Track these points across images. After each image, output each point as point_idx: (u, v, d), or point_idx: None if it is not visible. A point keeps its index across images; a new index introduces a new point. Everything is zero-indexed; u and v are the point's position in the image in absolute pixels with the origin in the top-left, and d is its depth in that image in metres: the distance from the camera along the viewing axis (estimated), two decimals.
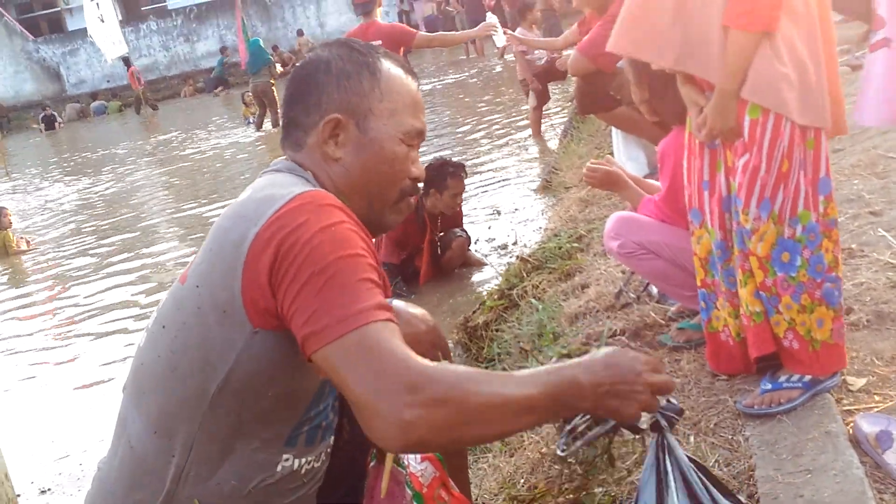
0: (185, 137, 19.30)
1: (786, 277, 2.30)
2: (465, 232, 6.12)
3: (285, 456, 1.73)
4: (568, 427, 1.80)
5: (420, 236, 5.92)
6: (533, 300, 4.15)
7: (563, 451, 1.81)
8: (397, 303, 2.04)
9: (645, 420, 1.70)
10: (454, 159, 6.16)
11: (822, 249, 2.31)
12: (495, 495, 2.53)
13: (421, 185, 1.91)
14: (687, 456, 1.76)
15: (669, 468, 1.72)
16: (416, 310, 2.07)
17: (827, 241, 2.33)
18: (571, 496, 2.17)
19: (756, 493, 2.03)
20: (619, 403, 1.60)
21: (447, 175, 5.77)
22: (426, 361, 1.49)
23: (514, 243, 6.10)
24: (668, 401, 1.74)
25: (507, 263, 5.22)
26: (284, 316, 1.55)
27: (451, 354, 2.13)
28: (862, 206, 3.70)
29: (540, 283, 4.37)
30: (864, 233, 3.44)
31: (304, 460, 1.77)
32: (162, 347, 1.69)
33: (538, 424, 1.79)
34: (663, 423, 1.73)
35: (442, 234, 6.03)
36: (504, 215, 7.04)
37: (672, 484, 1.71)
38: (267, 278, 1.55)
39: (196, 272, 1.67)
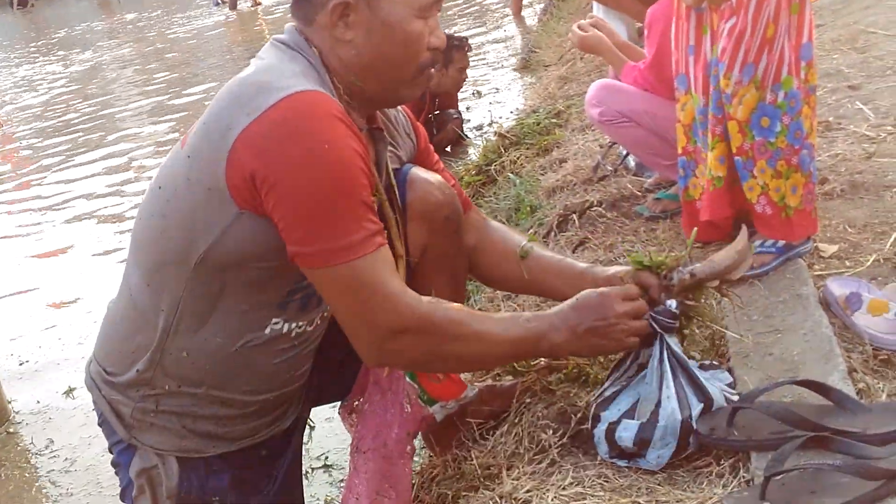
0: (155, 18, 18.81)
1: (764, 142, 2.30)
2: (460, 113, 6.00)
3: (275, 320, 1.76)
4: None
5: (418, 114, 5.77)
6: (511, 175, 4.14)
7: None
8: (416, 170, 1.98)
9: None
10: None
11: (801, 116, 2.31)
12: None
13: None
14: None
15: (668, 362, 1.78)
16: (433, 178, 1.99)
17: (806, 107, 2.32)
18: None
19: (727, 352, 2.06)
20: (602, 340, 1.75)
21: (452, 48, 5.51)
22: (414, 300, 1.62)
23: (490, 123, 6.03)
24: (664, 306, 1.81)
25: (485, 140, 5.18)
26: (273, 221, 1.57)
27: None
28: (841, 79, 3.69)
29: (518, 158, 4.35)
30: (841, 105, 3.44)
31: (294, 324, 1.80)
32: (155, 207, 1.71)
33: (513, 361, 2.06)
34: (657, 329, 1.79)
35: (437, 112, 5.86)
36: (484, 95, 6.96)
37: (668, 372, 1.77)
38: (251, 180, 1.54)
39: (191, 141, 1.66)
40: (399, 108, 2.03)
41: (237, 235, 1.61)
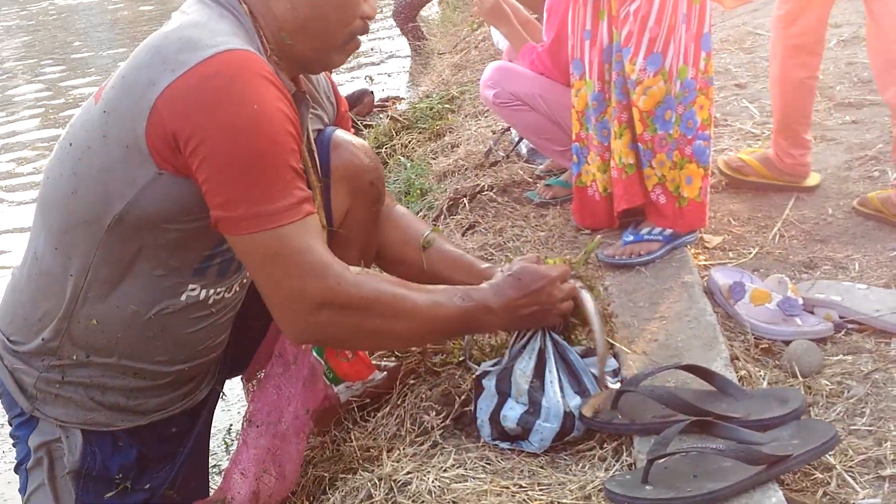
0: None
1: (665, 135, 2.30)
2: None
3: (191, 286, 1.69)
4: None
5: None
6: (402, 158, 4.10)
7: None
8: (340, 133, 1.94)
9: None
10: None
11: (695, 106, 2.32)
12: None
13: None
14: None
15: (551, 349, 1.76)
16: (358, 142, 1.95)
17: (703, 98, 2.33)
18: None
19: (614, 336, 2.05)
20: (539, 320, 1.74)
21: None
22: (343, 271, 1.54)
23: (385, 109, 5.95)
24: None
25: (377, 123, 5.12)
26: (197, 183, 1.49)
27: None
28: (728, 78, 3.79)
29: (410, 142, 4.33)
30: (728, 103, 3.54)
31: (212, 291, 1.73)
32: (66, 166, 1.62)
33: (443, 340, 1.97)
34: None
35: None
36: (377, 82, 6.88)
37: (552, 360, 1.75)
38: (173, 139, 1.47)
39: (107, 96, 1.57)
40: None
41: (155, 196, 1.53)
